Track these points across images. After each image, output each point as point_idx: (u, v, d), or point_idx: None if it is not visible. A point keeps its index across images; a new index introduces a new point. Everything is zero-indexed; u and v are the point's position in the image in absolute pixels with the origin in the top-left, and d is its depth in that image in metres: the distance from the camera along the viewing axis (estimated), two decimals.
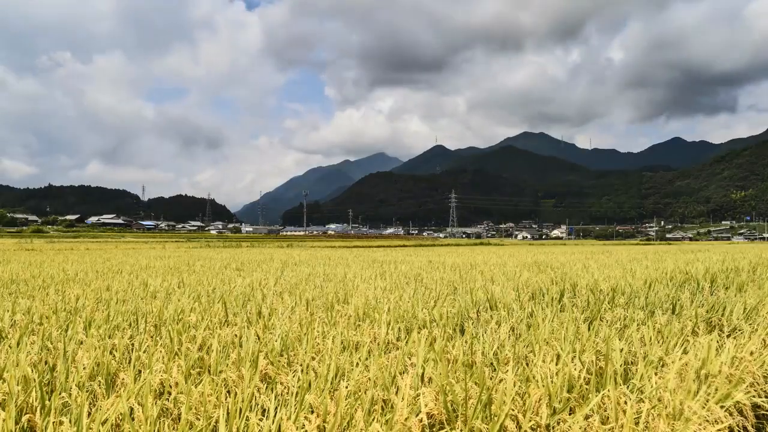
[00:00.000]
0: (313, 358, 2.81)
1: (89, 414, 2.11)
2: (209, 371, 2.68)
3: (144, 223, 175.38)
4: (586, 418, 2.10)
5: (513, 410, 2.12)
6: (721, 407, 2.20)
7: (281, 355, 2.91)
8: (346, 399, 2.15)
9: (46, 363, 2.71)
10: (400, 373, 2.52)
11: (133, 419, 1.99)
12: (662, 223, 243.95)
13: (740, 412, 2.38)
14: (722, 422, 2.10)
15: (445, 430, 2.11)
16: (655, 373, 2.55)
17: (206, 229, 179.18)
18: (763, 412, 2.49)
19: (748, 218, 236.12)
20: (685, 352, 2.94)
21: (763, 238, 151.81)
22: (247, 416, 2.02)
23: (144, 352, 2.94)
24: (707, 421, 2.09)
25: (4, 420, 1.95)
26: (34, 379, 2.33)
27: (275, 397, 2.26)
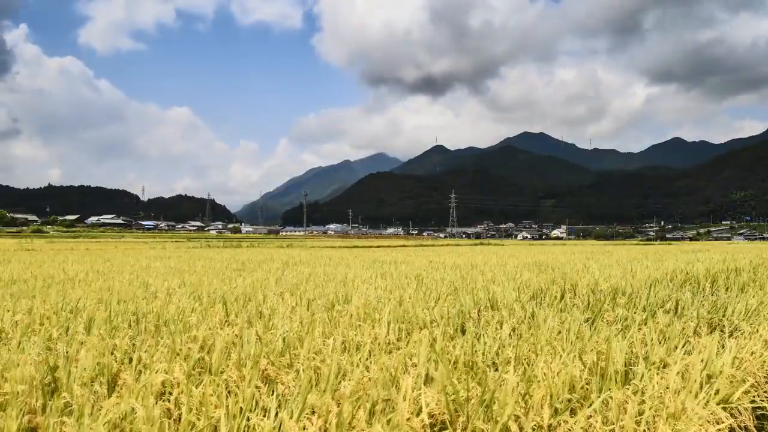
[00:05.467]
0: (314, 358, 2.81)
1: (91, 414, 2.11)
2: (210, 371, 2.68)
3: (144, 223, 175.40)
4: (588, 418, 2.10)
5: (515, 410, 2.12)
6: (723, 408, 2.20)
7: (282, 355, 2.91)
8: (347, 399, 2.15)
9: (47, 363, 2.71)
10: (402, 373, 2.52)
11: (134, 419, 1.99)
12: (662, 223, 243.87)
13: (741, 413, 2.38)
14: (723, 422, 2.10)
15: (448, 430, 2.11)
16: (657, 374, 2.55)
17: (206, 229, 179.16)
18: (764, 413, 2.49)
19: (748, 218, 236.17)
20: (687, 352, 2.94)
21: (763, 238, 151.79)
22: (248, 416, 2.03)
23: (145, 352, 2.94)
24: (708, 421, 2.09)
25: (6, 419, 1.95)
26: (36, 379, 2.33)
27: (276, 397, 2.26)
